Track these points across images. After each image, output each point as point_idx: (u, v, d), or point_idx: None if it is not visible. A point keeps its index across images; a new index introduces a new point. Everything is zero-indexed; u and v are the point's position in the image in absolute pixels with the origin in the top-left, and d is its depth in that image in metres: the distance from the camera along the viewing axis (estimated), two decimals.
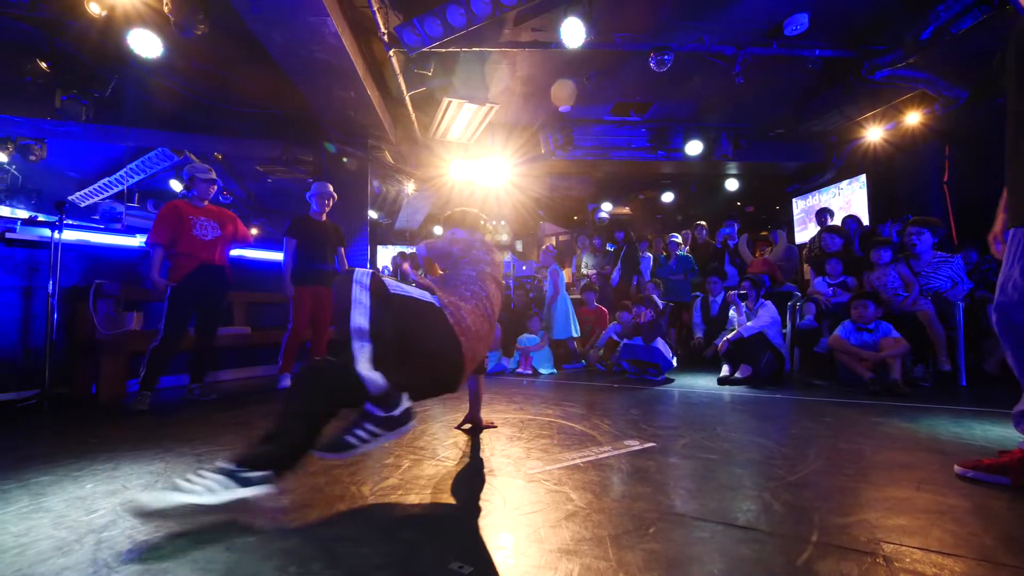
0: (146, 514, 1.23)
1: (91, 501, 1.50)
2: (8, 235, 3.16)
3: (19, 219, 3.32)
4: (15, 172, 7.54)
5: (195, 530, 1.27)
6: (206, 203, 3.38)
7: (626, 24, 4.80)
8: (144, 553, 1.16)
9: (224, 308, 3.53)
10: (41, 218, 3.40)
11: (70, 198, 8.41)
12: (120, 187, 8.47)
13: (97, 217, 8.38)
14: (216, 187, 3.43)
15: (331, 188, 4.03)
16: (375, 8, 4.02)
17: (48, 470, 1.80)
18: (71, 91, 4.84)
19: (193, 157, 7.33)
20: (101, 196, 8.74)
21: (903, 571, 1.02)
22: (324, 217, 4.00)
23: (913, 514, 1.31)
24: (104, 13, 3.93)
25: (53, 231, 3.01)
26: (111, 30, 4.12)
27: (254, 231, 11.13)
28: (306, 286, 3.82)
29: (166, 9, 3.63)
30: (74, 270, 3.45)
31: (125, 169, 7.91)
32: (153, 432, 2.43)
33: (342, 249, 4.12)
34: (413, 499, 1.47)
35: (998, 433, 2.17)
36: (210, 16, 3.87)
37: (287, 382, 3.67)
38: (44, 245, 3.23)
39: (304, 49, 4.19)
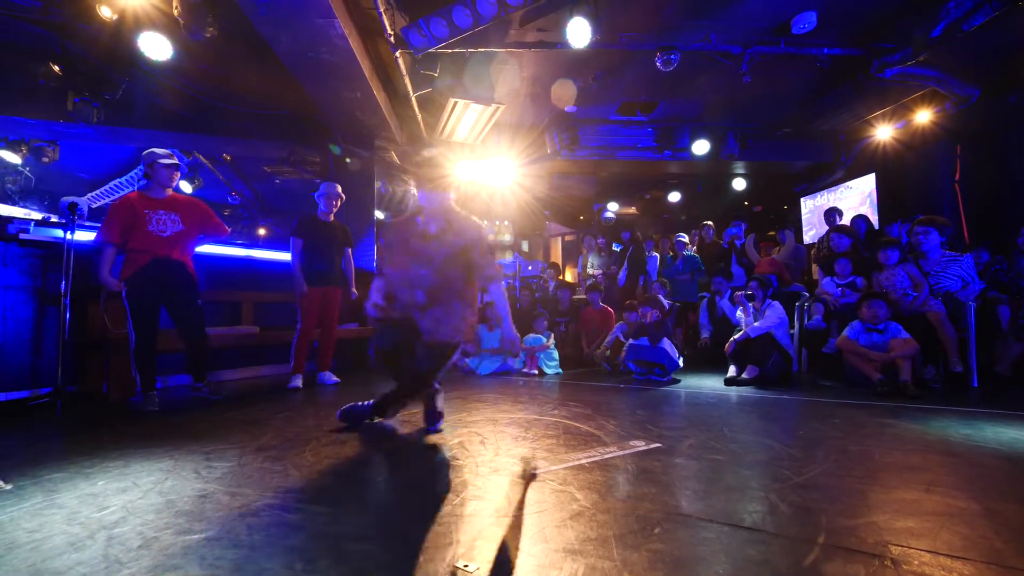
0: None
1: (103, 498, 1.52)
2: (22, 236, 3.21)
3: (33, 220, 3.36)
4: (28, 174, 7.66)
5: (203, 527, 1.29)
6: (169, 192, 3.10)
7: (632, 24, 4.79)
8: (154, 549, 1.17)
9: (198, 304, 3.22)
10: (54, 219, 3.44)
11: (81, 199, 8.52)
12: (130, 188, 8.57)
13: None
14: (180, 174, 3.14)
15: (339, 189, 4.03)
16: (381, 9, 4.04)
17: (61, 467, 1.82)
18: (83, 93, 4.91)
19: (202, 158, 7.41)
20: (112, 197, 8.85)
21: (911, 574, 1.01)
22: (332, 217, 4.00)
23: (922, 516, 1.30)
24: (115, 16, 3.98)
25: (65, 232, 3.04)
26: (122, 33, 4.18)
27: (262, 231, 11.23)
28: (315, 286, 3.81)
29: (176, 12, 3.67)
30: (86, 270, 3.49)
31: (135, 170, 8.01)
32: (163, 430, 2.46)
33: (349, 250, 4.13)
34: (419, 498, 1.48)
35: (1010, 435, 2.14)
36: (219, 19, 3.91)
37: (298, 382, 3.69)
38: (57, 245, 3.28)
39: (311, 51, 4.22)
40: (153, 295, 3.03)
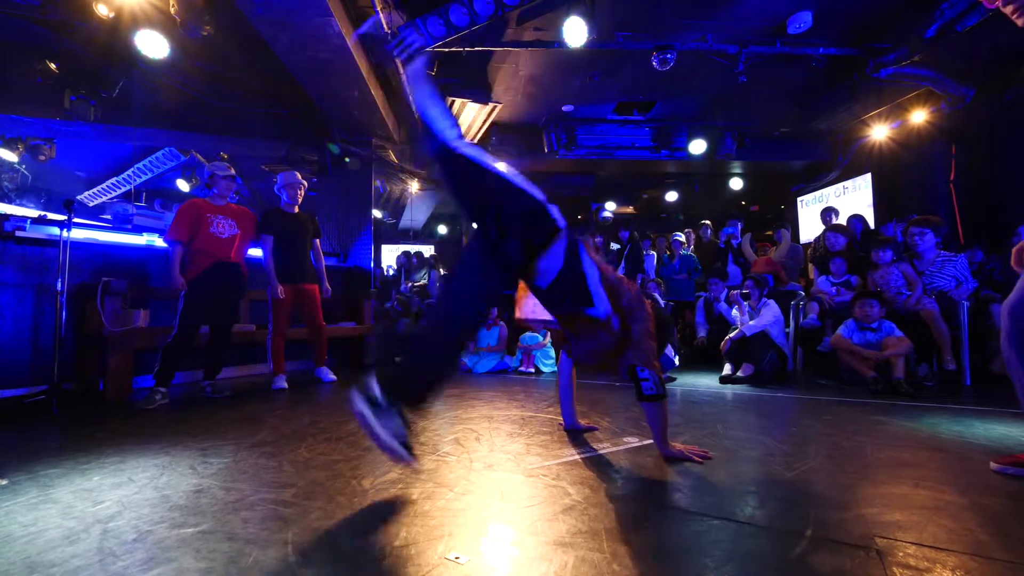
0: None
1: (98, 493, 1.53)
2: (18, 233, 3.22)
3: (29, 218, 3.36)
4: (25, 172, 7.64)
5: (198, 521, 1.30)
6: (226, 201, 3.43)
7: (628, 23, 4.80)
8: (149, 542, 1.19)
9: (239, 306, 3.55)
10: (50, 217, 3.45)
11: (79, 197, 8.51)
12: (127, 187, 8.56)
13: (109, 217, 8.49)
14: (236, 184, 3.48)
15: (299, 176, 3.91)
16: (378, 8, 4.05)
17: (56, 463, 1.83)
18: (80, 91, 4.91)
19: (199, 156, 7.40)
20: (109, 195, 8.84)
21: (895, 564, 1.03)
22: (297, 208, 3.88)
23: (909, 510, 1.31)
24: (112, 15, 3.98)
25: (62, 229, 3.04)
26: (119, 31, 4.18)
27: None
28: (287, 283, 3.72)
29: (172, 10, 3.67)
30: (82, 268, 3.50)
31: (132, 169, 8.00)
32: (159, 427, 2.47)
33: (318, 241, 4.02)
34: (413, 493, 1.49)
35: (1000, 432, 2.16)
36: (216, 17, 3.91)
37: (281, 383, 3.61)
38: (53, 243, 3.28)
39: (308, 49, 4.23)
40: (210, 299, 3.24)
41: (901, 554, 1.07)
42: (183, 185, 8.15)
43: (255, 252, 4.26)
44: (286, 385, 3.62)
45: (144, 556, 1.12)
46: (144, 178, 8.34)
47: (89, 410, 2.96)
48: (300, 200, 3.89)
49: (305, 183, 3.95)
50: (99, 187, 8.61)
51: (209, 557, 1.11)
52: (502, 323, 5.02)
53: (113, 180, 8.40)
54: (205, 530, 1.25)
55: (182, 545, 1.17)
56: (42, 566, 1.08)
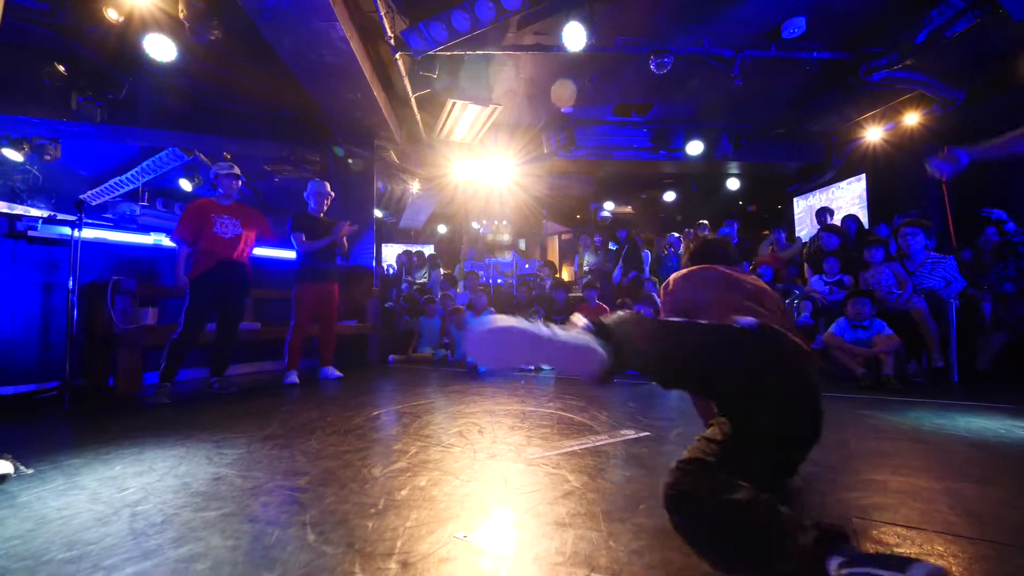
0: None
1: (121, 480, 1.61)
2: (30, 233, 3.29)
3: (40, 217, 3.44)
4: (36, 172, 7.69)
5: (220, 505, 1.39)
6: (233, 200, 3.52)
7: (626, 28, 4.89)
8: (176, 523, 1.27)
9: (244, 304, 3.66)
10: (60, 217, 3.53)
11: (82, 196, 8.57)
12: (131, 186, 8.63)
13: (114, 217, 8.54)
14: (241, 181, 3.58)
15: (328, 187, 4.14)
16: (382, 13, 4.12)
17: (78, 454, 1.92)
18: (87, 93, 4.98)
19: (203, 157, 7.48)
20: (112, 195, 8.91)
21: (869, 540, 1.12)
22: (322, 215, 4.10)
23: (886, 494, 1.41)
24: (121, 19, 4.05)
25: (73, 229, 3.12)
26: (127, 35, 4.25)
27: None
28: (309, 283, 3.90)
29: (181, 15, 3.74)
30: (92, 267, 3.57)
31: (136, 168, 8.06)
32: (171, 421, 2.55)
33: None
34: (420, 480, 1.57)
35: (980, 424, 2.25)
36: (223, 21, 3.98)
37: (293, 378, 3.76)
38: (64, 243, 3.36)
39: (313, 52, 4.30)
40: (214, 297, 3.34)
41: (875, 532, 1.16)
42: (186, 185, 8.22)
43: (259, 252, 4.37)
44: (297, 380, 3.75)
45: (174, 535, 1.20)
46: (147, 178, 8.41)
47: (100, 405, 3.04)
48: (326, 209, 4.11)
49: (332, 194, 4.18)
50: (102, 186, 8.67)
51: (235, 536, 1.19)
52: (492, 309, 5.10)
53: (116, 179, 8.46)
54: (227, 513, 1.33)
55: (208, 526, 1.25)
56: (80, 544, 1.17)
